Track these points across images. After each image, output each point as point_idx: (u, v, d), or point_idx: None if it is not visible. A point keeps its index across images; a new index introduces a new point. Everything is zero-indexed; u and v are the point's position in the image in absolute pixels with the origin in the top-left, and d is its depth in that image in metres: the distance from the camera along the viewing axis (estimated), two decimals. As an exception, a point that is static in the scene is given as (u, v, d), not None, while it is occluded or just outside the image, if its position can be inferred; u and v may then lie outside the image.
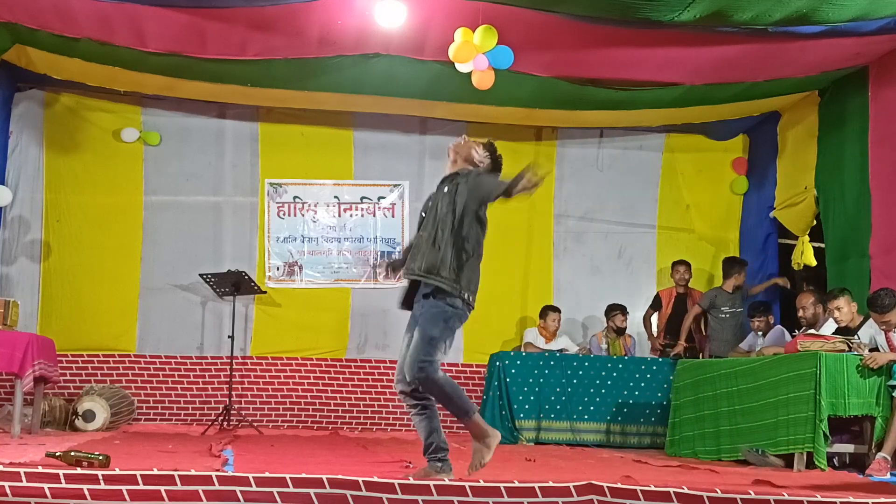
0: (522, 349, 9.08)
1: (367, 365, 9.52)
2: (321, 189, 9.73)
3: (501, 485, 3.52)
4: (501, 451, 7.35)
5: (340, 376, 9.49)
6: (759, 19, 6.62)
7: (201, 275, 9.00)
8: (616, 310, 9.20)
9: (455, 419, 4.67)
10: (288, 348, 9.43)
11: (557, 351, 8.91)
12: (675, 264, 9.47)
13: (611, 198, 10.09)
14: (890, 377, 6.02)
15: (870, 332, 6.55)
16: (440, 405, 4.59)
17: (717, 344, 8.85)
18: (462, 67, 7.06)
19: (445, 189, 4.67)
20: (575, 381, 8.50)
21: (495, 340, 9.50)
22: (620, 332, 9.22)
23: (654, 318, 9.60)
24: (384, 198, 9.77)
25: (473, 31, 6.85)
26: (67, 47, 7.86)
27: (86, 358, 9.18)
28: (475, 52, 6.90)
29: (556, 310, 9.26)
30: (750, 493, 3.64)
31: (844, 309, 6.71)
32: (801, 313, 7.27)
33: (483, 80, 7.11)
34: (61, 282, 9.27)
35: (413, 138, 9.88)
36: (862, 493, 4.14)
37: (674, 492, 3.55)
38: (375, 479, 3.47)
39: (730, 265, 9.11)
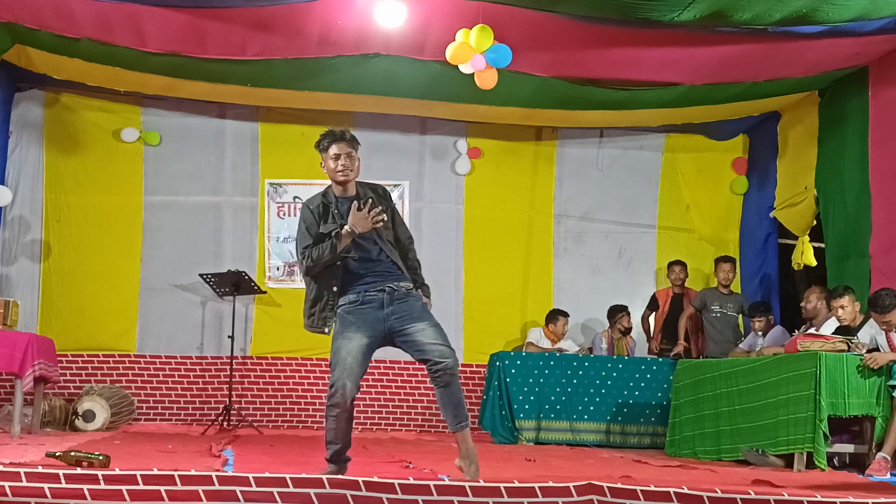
0: (524, 348, 9.08)
1: (366, 365, 9.50)
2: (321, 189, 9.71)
3: (501, 485, 3.52)
4: (501, 451, 7.39)
5: (341, 376, 9.48)
6: (759, 19, 6.62)
7: (201, 275, 9.00)
8: (620, 311, 9.19)
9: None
10: (288, 348, 9.42)
11: (558, 351, 8.91)
12: (670, 265, 9.47)
13: (611, 198, 10.08)
14: (890, 377, 6.02)
15: (870, 332, 6.55)
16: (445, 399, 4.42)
17: (711, 344, 8.86)
18: (463, 69, 7.06)
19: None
20: (575, 381, 8.50)
21: (495, 340, 9.48)
22: (627, 331, 9.21)
23: (652, 319, 9.60)
24: (384, 198, 9.75)
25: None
26: (67, 47, 7.86)
27: (86, 358, 9.18)
28: (472, 53, 6.90)
29: (566, 315, 9.23)
30: (750, 493, 3.63)
31: (848, 308, 6.72)
32: (803, 303, 7.41)
33: (486, 79, 7.11)
34: (61, 282, 9.27)
35: (413, 138, 9.89)
36: (862, 493, 4.13)
37: (674, 492, 3.54)
38: (375, 479, 3.47)
39: (716, 262, 9.18)
